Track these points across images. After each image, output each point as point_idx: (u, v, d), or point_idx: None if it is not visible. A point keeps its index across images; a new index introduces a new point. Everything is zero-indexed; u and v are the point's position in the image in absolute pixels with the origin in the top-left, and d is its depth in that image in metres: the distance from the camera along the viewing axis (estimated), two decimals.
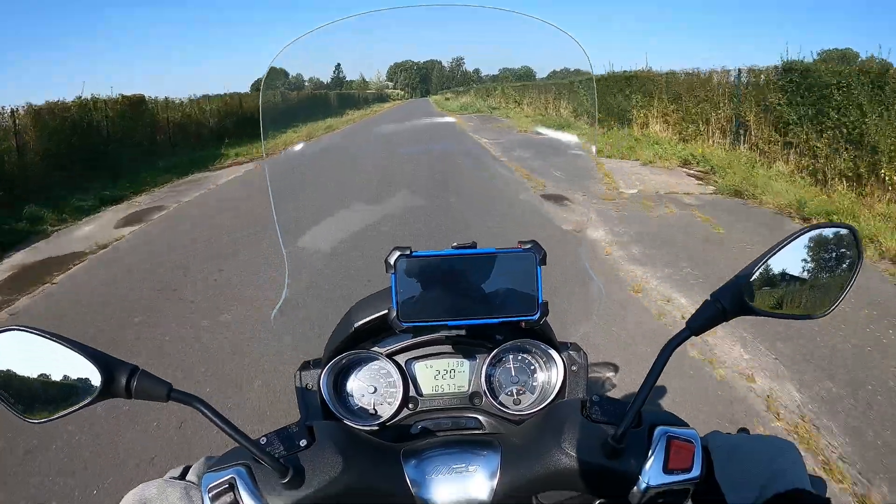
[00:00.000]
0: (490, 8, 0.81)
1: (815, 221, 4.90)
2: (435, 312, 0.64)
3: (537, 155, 6.32)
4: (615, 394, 1.43)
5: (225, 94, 14.85)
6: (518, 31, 0.88)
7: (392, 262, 0.62)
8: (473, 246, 0.64)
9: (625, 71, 12.02)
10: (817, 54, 10.61)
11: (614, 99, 11.70)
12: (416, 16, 0.87)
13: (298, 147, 0.94)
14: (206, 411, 0.50)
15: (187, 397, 0.50)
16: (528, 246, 0.64)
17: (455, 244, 0.64)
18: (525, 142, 7.01)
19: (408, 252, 0.63)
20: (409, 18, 0.88)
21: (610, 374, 1.19)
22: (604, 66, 13.04)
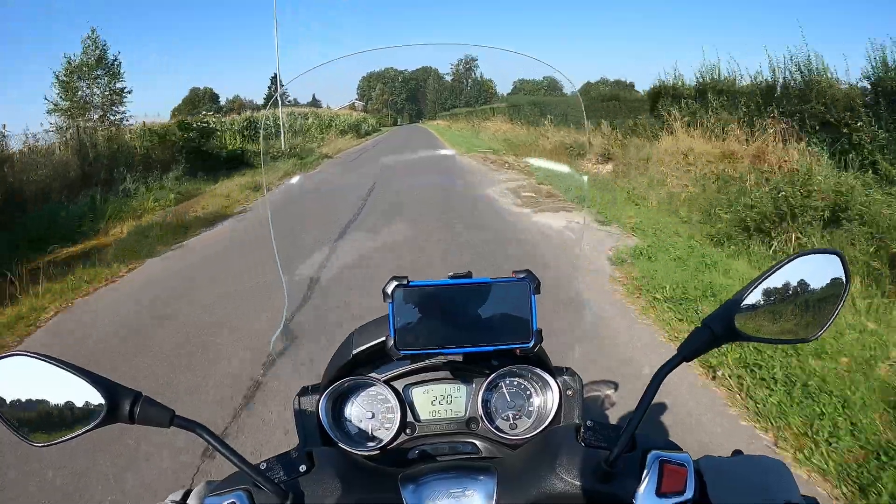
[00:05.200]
0: (490, 47, 0.83)
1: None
2: (432, 340, 0.64)
3: None
4: (615, 412, 1.45)
5: None
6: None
7: (389, 291, 0.63)
8: (469, 275, 0.65)
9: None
10: None
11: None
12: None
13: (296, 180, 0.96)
14: (207, 437, 0.51)
15: (190, 423, 0.52)
16: (523, 275, 0.65)
17: (451, 274, 0.65)
18: None
19: (405, 282, 0.63)
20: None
21: (609, 392, 1.21)
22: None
